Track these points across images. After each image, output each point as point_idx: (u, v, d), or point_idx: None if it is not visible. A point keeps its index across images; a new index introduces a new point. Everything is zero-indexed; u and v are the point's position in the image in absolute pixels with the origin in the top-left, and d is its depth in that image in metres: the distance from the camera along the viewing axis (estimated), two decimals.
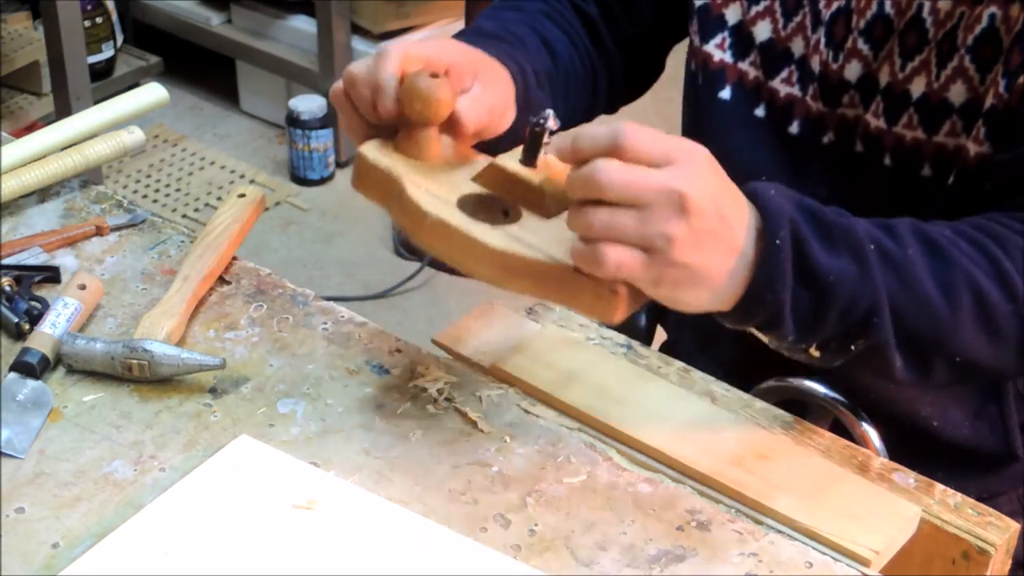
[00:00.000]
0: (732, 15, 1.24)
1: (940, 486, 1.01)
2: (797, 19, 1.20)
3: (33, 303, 1.12)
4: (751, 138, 1.25)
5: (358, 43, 3.17)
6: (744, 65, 1.24)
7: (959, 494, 1.00)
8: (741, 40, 1.24)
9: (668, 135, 0.91)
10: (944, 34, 1.12)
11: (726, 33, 1.25)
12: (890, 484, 1.00)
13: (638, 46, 1.34)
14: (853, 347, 0.99)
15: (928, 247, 0.99)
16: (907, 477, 1.01)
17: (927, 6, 1.12)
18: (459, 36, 1.17)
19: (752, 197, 0.96)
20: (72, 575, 0.89)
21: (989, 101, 1.10)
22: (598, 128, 0.91)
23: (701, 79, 1.28)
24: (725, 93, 1.25)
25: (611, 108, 1.39)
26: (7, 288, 1.12)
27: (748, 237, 0.94)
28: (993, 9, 1.09)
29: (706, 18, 1.25)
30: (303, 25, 3.23)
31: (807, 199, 0.98)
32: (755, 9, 1.22)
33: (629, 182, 0.88)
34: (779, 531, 0.96)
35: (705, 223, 0.90)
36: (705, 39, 1.26)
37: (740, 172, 1.27)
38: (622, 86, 1.36)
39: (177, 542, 0.91)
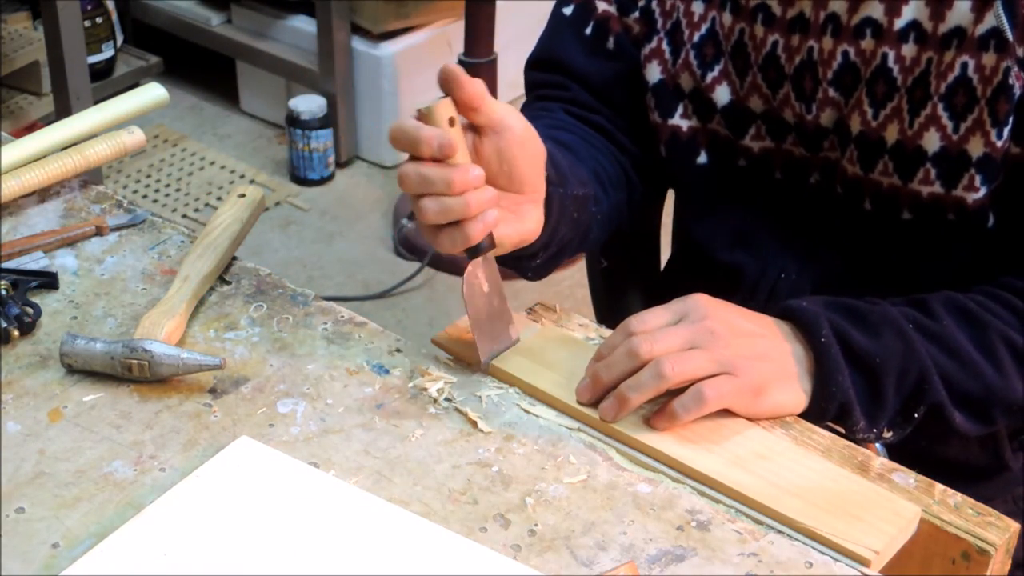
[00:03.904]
0: (686, 83, 1.25)
1: (940, 486, 1.01)
2: (749, 79, 1.21)
3: (26, 308, 1.12)
4: (735, 192, 1.26)
5: (358, 43, 3.16)
6: (713, 125, 1.24)
7: (959, 494, 1.00)
8: (702, 105, 1.25)
9: (664, 305, 1.06)
10: (914, 80, 1.12)
11: (686, 100, 1.25)
12: (890, 484, 1.00)
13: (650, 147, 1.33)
14: (916, 415, 1.09)
15: (962, 316, 1.10)
16: (907, 477, 1.01)
17: (891, 55, 1.12)
18: None
19: (786, 314, 1.08)
20: (72, 575, 0.89)
21: (980, 150, 1.10)
22: (611, 337, 1.06)
23: (669, 152, 1.27)
24: (702, 158, 1.26)
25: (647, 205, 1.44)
26: (3, 292, 1.12)
27: (788, 335, 1.07)
28: (966, 58, 1.09)
29: (663, 93, 1.26)
30: (303, 25, 3.23)
31: (836, 299, 1.10)
32: (711, 75, 1.23)
33: (670, 333, 1.03)
34: (779, 531, 0.96)
35: (737, 333, 1.04)
36: (668, 113, 1.26)
37: (729, 226, 1.28)
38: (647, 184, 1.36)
39: (177, 543, 0.91)
